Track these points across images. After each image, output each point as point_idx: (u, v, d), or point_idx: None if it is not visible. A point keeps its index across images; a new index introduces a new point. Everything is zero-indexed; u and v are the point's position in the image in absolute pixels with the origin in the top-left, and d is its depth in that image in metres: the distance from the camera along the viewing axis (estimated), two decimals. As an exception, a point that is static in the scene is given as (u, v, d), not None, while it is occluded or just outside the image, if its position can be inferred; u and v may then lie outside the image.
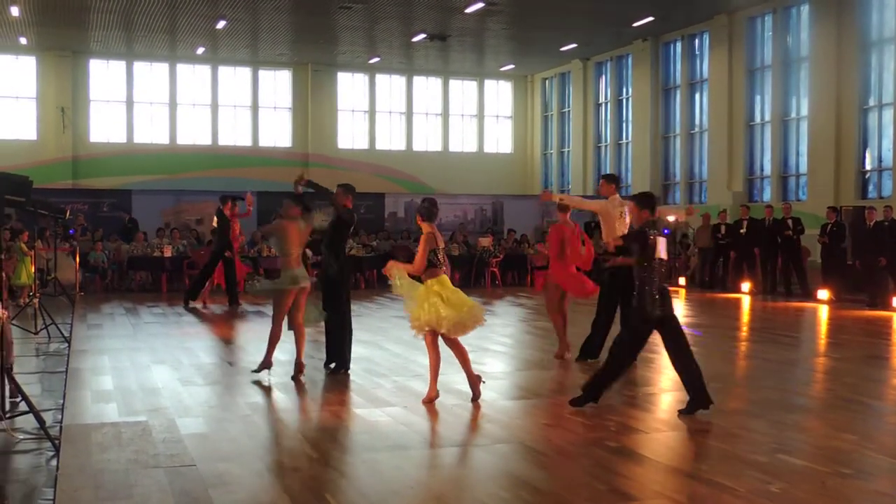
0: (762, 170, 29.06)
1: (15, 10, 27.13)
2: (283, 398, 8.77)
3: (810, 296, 19.09)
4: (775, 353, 12.08)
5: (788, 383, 9.79)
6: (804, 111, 27.15)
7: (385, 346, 12.08)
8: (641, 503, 5.60)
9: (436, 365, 8.34)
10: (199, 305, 17.41)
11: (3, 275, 8.81)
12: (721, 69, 29.60)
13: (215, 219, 17.74)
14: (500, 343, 12.67)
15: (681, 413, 7.97)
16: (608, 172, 11.97)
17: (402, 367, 10.38)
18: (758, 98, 29.13)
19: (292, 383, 9.35)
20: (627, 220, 10.64)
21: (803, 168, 27.29)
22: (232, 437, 7.36)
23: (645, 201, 8.28)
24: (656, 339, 13.57)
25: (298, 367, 9.61)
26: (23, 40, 31.67)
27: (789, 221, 20.23)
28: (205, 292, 17.92)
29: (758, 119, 29.10)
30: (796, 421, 7.92)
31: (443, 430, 7.62)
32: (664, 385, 9.81)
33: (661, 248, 8.02)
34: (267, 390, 9.12)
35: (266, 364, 9.71)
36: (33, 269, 16.13)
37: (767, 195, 28.26)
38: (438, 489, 6.02)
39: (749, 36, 28.94)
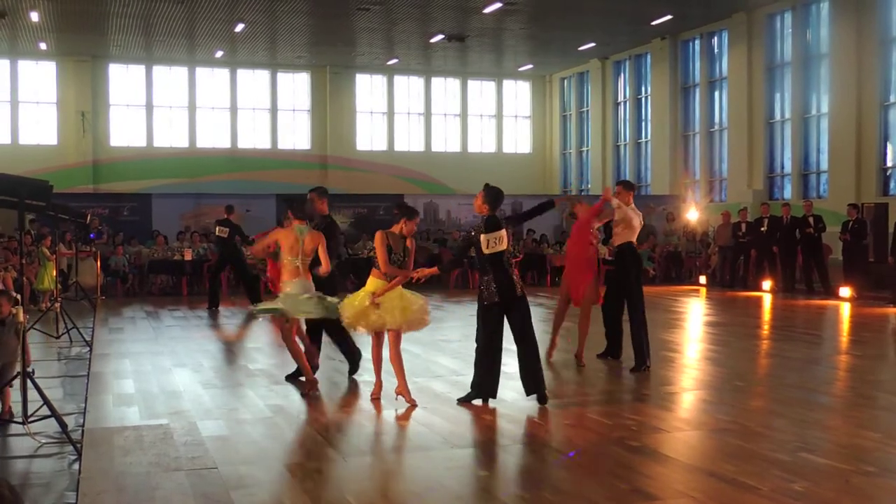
0: (782, 167, 28.93)
1: (35, 16, 27.34)
2: (304, 400, 8.77)
3: (832, 293, 18.97)
4: (797, 350, 12.00)
5: (810, 381, 9.73)
6: (824, 108, 27.01)
7: (404, 347, 12.04)
8: (664, 502, 5.57)
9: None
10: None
11: (26, 279, 8.86)
12: (740, 67, 29.48)
13: (219, 227, 17.73)
14: (520, 343, 12.63)
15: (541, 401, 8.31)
16: (625, 179, 11.93)
17: (422, 368, 10.37)
18: (777, 95, 29.00)
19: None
20: (637, 223, 10.58)
21: (824, 165, 27.15)
22: (253, 439, 7.37)
23: (489, 196, 8.52)
24: (677, 338, 13.56)
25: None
26: (43, 46, 31.91)
27: (810, 219, 20.11)
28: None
29: (778, 116, 28.97)
30: (819, 419, 7.87)
31: (463, 431, 7.60)
32: (685, 384, 9.78)
33: (492, 242, 8.34)
34: (287, 393, 9.12)
35: (312, 383, 9.14)
36: (55, 274, 16.20)
37: (788, 193, 28.14)
38: (459, 490, 6.00)
39: (768, 33, 28.82)
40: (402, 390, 8.39)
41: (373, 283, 8.33)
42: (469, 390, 8.47)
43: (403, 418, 7.92)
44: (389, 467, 6.37)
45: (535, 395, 8.36)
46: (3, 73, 33.85)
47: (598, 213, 10.78)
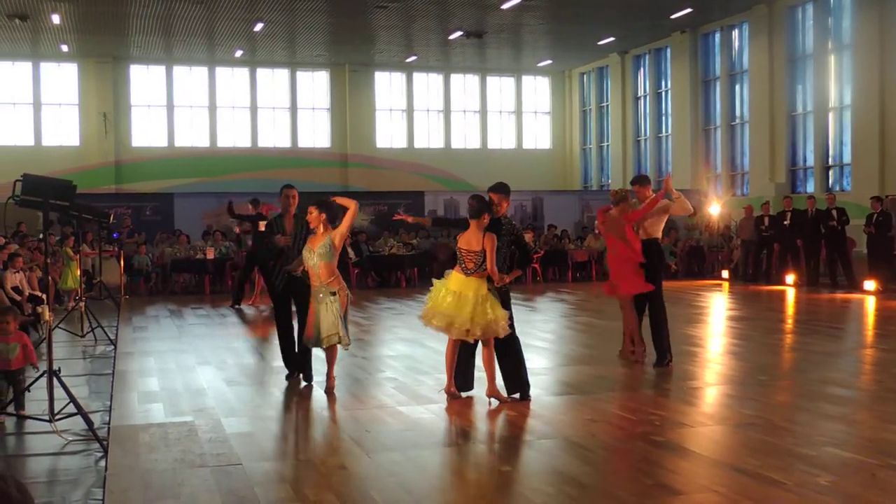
0: (805, 160, 28.75)
1: (56, 18, 27.52)
2: (327, 397, 8.78)
3: (856, 287, 18.84)
4: (821, 344, 11.93)
5: (835, 375, 9.66)
6: (847, 100, 26.81)
7: (427, 343, 12.08)
8: (688, 497, 5.55)
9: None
10: (246, 306, 17.51)
11: (50, 279, 8.93)
12: (762, 59, 29.31)
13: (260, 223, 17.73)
14: (542, 339, 12.64)
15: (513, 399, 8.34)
16: (643, 174, 11.51)
17: (443, 365, 10.34)
18: (799, 88, 28.82)
19: (335, 382, 9.26)
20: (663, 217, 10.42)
21: (847, 158, 26.95)
22: (277, 435, 7.41)
23: (507, 192, 8.61)
24: (700, 333, 13.52)
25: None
26: (64, 48, 32.13)
27: (834, 212, 19.97)
28: (256, 293, 18.10)
29: (800, 109, 28.79)
30: (844, 413, 7.81)
31: (486, 427, 7.61)
32: (708, 379, 9.74)
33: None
34: (310, 389, 9.14)
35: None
36: (79, 273, 16.30)
37: (811, 186, 27.97)
38: (483, 485, 6.01)
39: (790, 25, 28.64)
40: (493, 392, 8.31)
41: (474, 284, 8.08)
42: (518, 388, 8.46)
43: (426, 414, 7.92)
44: (413, 463, 6.37)
45: (517, 394, 8.41)
46: (25, 76, 34.13)
47: (653, 207, 10.36)
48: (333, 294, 8.64)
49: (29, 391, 7.66)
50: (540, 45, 34.44)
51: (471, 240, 8.11)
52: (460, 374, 8.54)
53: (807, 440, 6.79)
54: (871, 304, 16.74)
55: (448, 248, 22.87)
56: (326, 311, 8.62)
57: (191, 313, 16.79)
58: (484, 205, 8.21)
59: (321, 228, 8.79)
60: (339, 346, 8.79)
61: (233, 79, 36.46)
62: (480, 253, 8.01)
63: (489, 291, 8.09)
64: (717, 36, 32.08)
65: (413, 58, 35.81)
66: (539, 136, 40.81)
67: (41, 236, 14.70)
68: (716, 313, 16.60)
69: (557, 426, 7.53)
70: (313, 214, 8.84)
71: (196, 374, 10.11)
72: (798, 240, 20.78)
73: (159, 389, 9.22)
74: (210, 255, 21.02)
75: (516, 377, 8.43)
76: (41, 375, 7.36)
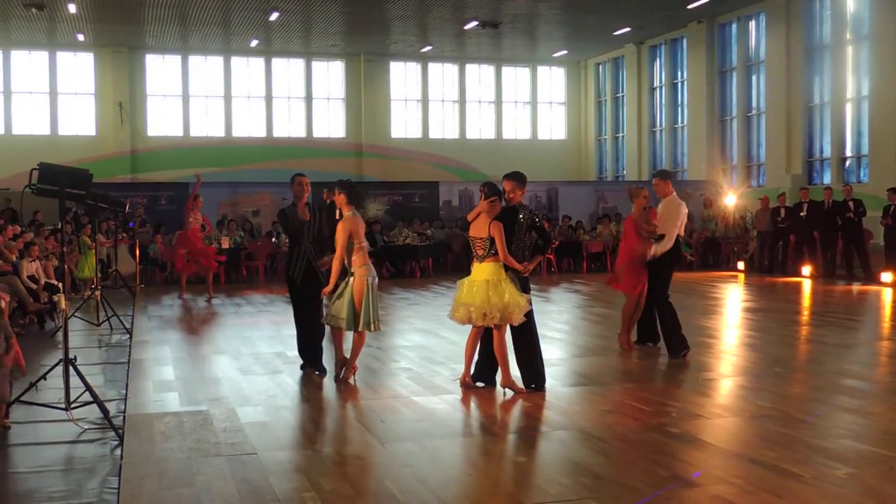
0: (822, 152, 28.59)
1: (72, 8, 27.57)
2: (342, 387, 8.80)
3: (873, 278, 18.75)
4: (838, 336, 11.87)
5: (852, 367, 9.61)
6: (864, 91, 26.63)
7: (442, 333, 12.09)
8: (704, 489, 5.53)
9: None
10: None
11: (67, 268, 8.95)
12: (778, 50, 29.13)
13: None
14: (556, 329, 12.61)
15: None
16: (664, 169, 11.32)
17: (458, 355, 10.29)
18: (816, 79, 28.63)
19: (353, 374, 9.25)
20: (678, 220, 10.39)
21: (864, 149, 26.79)
22: (292, 425, 7.42)
23: (522, 181, 8.59)
24: (716, 324, 13.47)
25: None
26: (80, 37, 32.21)
27: (850, 203, 19.86)
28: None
29: (817, 100, 28.61)
30: (861, 405, 7.77)
31: (501, 417, 7.60)
32: (724, 370, 9.70)
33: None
34: (326, 379, 9.14)
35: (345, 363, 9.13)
36: (95, 262, 16.35)
37: (827, 177, 27.81)
38: (497, 475, 6.00)
39: (807, 15, 28.45)
40: (507, 382, 8.32)
41: (487, 269, 8.18)
42: (534, 379, 8.47)
43: (441, 405, 7.91)
44: (428, 453, 6.37)
45: (533, 385, 8.41)
46: (42, 65, 34.23)
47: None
48: (351, 275, 8.71)
49: (38, 390, 7.57)
50: (555, 35, 34.31)
51: (480, 226, 8.22)
52: (483, 366, 8.52)
53: (823, 432, 6.76)
54: (887, 295, 16.65)
55: (462, 239, 22.85)
56: (343, 292, 8.71)
57: (206, 302, 16.82)
58: (495, 192, 8.27)
59: (346, 210, 8.82)
60: (366, 333, 8.88)
61: (248, 68, 36.48)
62: (488, 239, 8.13)
63: (508, 277, 8.14)
64: (734, 26, 31.90)
65: (428, 48, 35.76)
66: (554, 126, 40.71)
67: (58, 225, 14.74)
68: (731, 305, 16.54)
69: (572, 417, 7.52)
70: (338, 197, 8.89)
71: (211, 364, 10.15)
72: (814, 231, 20.69)
73: (174, 378, 9.25)
74: (224, 244, 21.06)
75: (532, 368, 8.42)
76: (57, 364, 7.39)
